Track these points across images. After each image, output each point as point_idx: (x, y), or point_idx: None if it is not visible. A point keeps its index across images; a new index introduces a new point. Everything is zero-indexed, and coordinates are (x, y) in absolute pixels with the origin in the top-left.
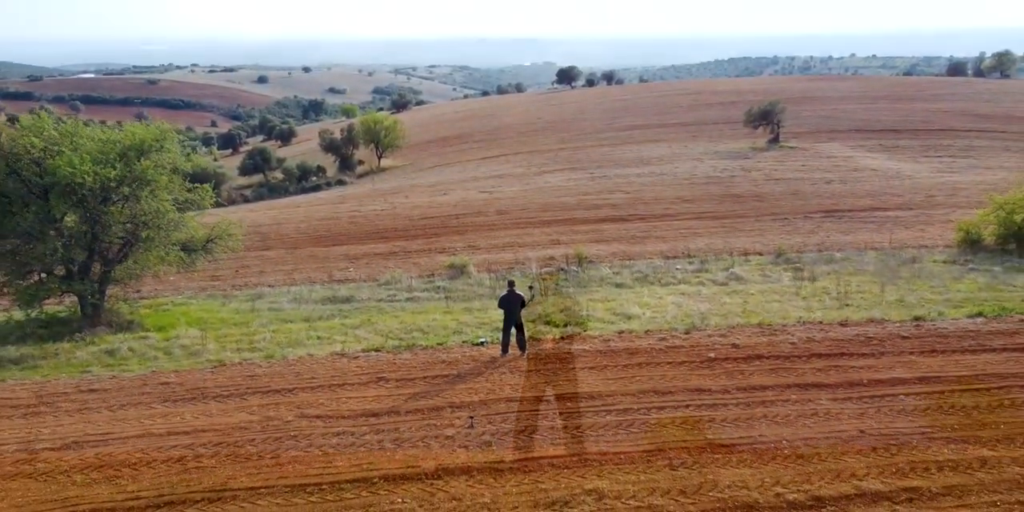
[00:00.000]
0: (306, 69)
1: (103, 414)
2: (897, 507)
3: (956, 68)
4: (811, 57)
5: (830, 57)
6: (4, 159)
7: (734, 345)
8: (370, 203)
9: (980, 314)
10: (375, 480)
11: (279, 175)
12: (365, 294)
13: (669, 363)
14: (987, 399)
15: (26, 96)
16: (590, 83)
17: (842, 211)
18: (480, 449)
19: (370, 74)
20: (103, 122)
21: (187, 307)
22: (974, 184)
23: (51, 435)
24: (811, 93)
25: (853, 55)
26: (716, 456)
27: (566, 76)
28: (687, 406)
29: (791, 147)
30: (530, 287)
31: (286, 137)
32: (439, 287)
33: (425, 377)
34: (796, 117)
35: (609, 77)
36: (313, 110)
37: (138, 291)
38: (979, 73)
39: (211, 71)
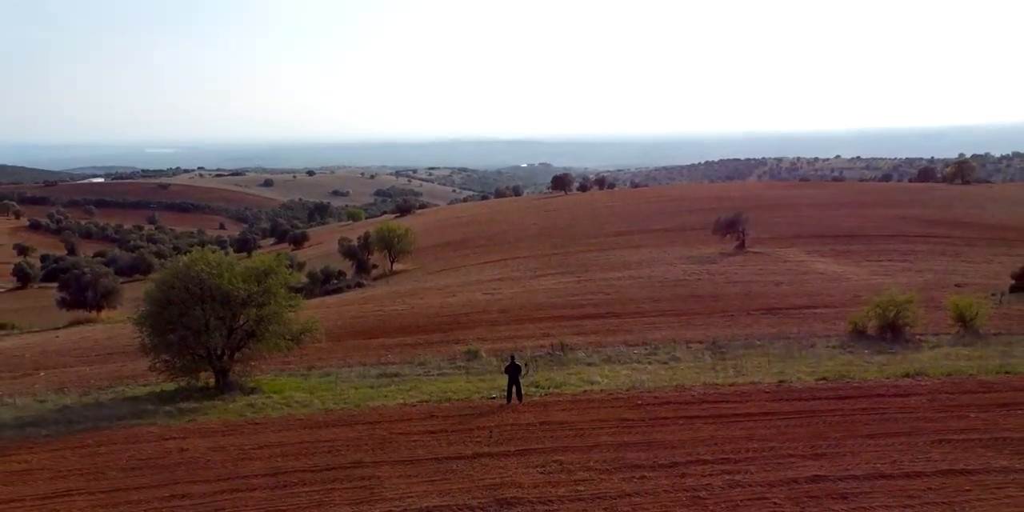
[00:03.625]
0: (310, 172)
1: (271, 434)
2: (714, 465)
3: (925, 173)
4: (798, 158)
5: (816, 159)
6: (181, 279)
7: (655, 397)
8: (390, 304)
9: (824, 378)
10: (441, 459)
11: (304, 278)
12: (407, 371)
13: (611, 407)
14: (797, 422)
15: (42, 201)
16: (583, 188)
17: (780, 309)
18: (497, 445)
19: (372, 177)
20: (120, 226)
21: (281, 381)
22: (899, 285)
23: (246, 443)
24: (783, 200)
25: (838, 156)
26: (627, 447)
27: (560, 182)
28: (617, 427)
29: (755, 252)
30: (526, 364)
31: (299, 241)
32: (460, 366)
33: (459, 415)
34: (767, 223)
35: (601, 182)
36: (319, 212)
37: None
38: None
39: (218, 174)
